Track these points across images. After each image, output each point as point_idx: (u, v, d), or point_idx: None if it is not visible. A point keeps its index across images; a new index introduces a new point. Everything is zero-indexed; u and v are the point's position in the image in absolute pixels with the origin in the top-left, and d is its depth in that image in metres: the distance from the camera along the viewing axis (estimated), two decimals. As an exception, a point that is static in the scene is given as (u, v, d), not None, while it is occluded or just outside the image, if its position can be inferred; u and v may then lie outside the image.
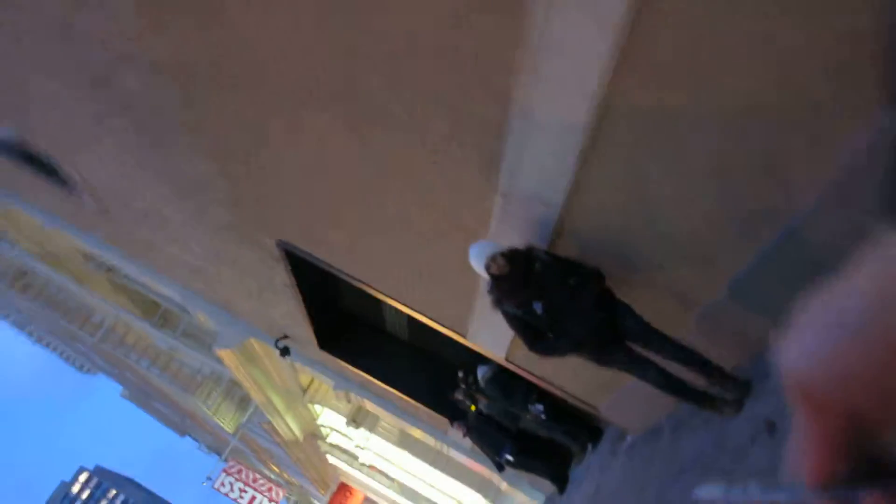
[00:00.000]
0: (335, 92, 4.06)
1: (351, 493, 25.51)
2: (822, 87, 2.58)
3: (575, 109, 3.26)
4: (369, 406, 13.42)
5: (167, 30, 4.35)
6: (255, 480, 24.79)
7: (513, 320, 4.05)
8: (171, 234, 8.30)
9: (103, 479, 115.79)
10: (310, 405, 17.22)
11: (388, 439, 18.16)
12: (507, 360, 6.71)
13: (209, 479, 24.51)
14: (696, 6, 2.54)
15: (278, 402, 15.97)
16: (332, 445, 19.54)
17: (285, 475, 30.21)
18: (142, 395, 31.86)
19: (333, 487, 25.20)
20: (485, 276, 3.89)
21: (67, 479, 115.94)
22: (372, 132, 4.26)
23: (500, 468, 8.80)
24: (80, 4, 4.48)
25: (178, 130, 5.58)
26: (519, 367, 6.77)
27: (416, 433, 14.15)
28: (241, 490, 24.21)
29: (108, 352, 21.75)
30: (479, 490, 16.30)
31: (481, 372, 7.90)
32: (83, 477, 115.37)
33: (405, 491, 21.37)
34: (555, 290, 3.89)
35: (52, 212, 10.64)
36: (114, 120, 5.91)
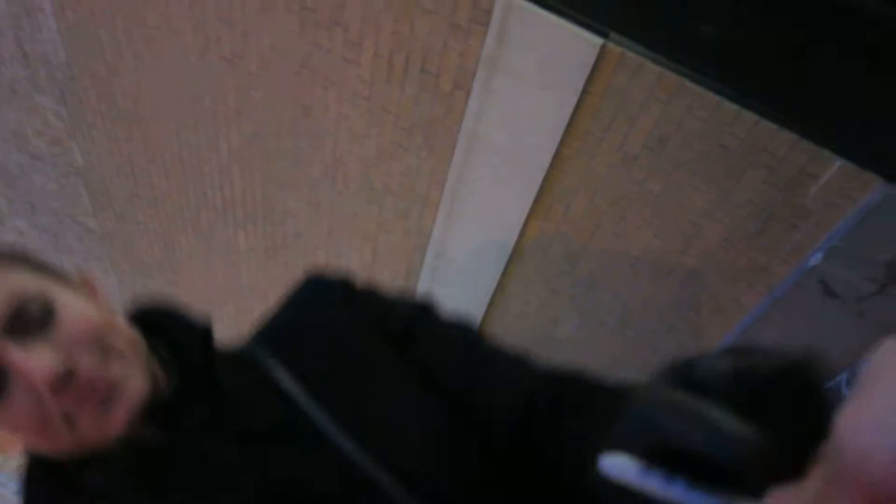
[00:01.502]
0: (249, 212, 4.01)
1: None
2: (721, 253, 2.68)
3: (488, 250, 3.29)
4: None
5: (87, 135, 4.28)
6: None
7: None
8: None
9: None
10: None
11: None
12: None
13: None
14: (601, 167, 2.65)
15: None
16: None
17: None
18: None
19: None
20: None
21: None
22: (283, 257, 4.18)
23: None
24: (8, 98, 4.39)
25: (83, 238, 5.35)
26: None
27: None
28: None
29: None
30: None
31: None
32: None
33: None
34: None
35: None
36: (16, 220, 5.65)
